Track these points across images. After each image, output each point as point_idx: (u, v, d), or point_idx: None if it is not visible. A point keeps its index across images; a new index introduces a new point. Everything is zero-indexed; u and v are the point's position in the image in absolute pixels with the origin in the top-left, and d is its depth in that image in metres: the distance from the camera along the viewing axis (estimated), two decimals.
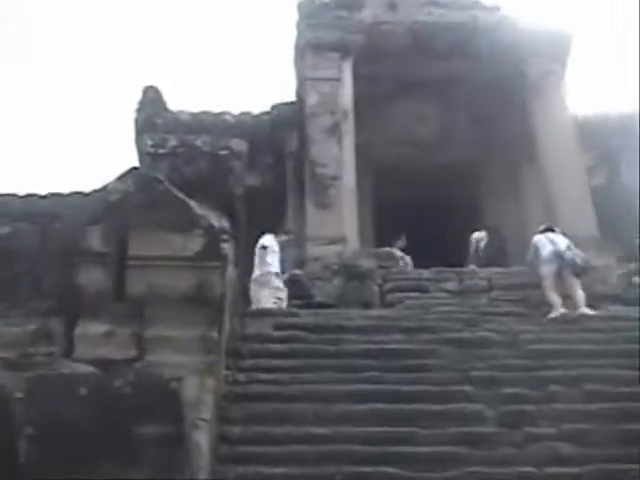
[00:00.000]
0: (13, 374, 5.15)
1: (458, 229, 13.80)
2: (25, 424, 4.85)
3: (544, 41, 13.82)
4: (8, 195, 9.71)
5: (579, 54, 15.59)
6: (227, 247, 5.88)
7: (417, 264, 11.70)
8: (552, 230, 10.10)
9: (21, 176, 33.65)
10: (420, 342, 7.69)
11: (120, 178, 5.81)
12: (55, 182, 24.38)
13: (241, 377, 6.81)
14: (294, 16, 14.43)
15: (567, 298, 9.12)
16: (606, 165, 14.44)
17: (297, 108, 14.17)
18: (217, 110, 14.78)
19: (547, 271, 9.43)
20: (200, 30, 44.91)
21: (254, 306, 9.41)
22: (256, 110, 14.86)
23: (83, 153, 40.71)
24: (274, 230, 10.64)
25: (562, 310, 8.90)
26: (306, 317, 8.55)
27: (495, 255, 11.93)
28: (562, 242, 9.69)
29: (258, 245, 10.11)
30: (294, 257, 11.44)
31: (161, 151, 8.38)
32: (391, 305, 9.83)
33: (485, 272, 10.79)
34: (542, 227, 10.23)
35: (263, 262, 9.92)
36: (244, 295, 9.28)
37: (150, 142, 9.04)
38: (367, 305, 9.95)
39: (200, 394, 5.44)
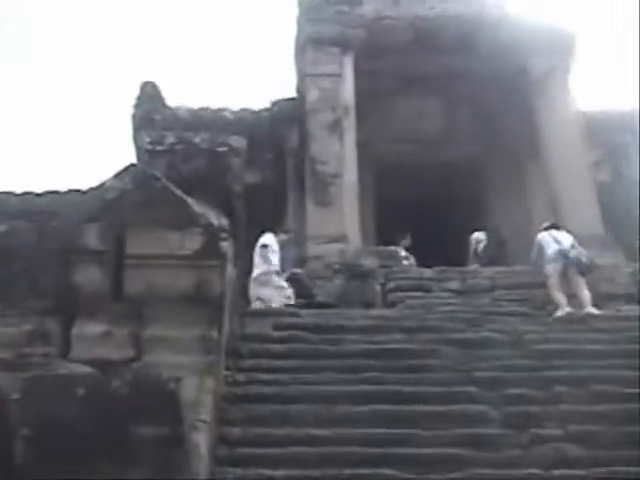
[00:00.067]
0: (9, 375, 5.14)
1: (460, 227, 13.75)
2: (21, 425, 4.84)
3: (547, 38, 13.69)
4: (5, 193, 9.68)
5: (584, 51, 15.41)
6: (226, 245, 5.82)
7: (418, 262, 11.65)
8: (556, 227, 10.01)
9: (18, 174, 33.67)
10: (422, 342, 7.61)
11: (117, 175, 5.77)
12: (52, 180, 24.35)
13: (241, 378, 6.74)
14: (294, 11, 14.35)
15: (572, 297, 9.05)
16: (611, 162, 14.34)
17: (297, 104, 14.08)
18: (216, 106, 14.73)
19: (552, 270, 9.35)
20: (199, 25, 44.91)
21: (258, 305, 9.33)
22: (256, 106, 14.83)
23: (81, 150, 40.76)
24: (274, 229, 10.55)
25: (568, 309, 8.83)
26: (306, 317, 8.47)
27: (494, 257, 11.84)
28: (566, 240, 9.60)
29: (258, 244, 10.03)
30: (294, 256, 11.36)
31: (159, 148, 8.32)
32: (393, 305, 9.76)
33: (488, 271, 10.73)
34: (546, 224, 10.13)
35: (263, 261, 9.84)
36: (244, 294, 9.20)
37: (148, 139, 8.97)
38: (369, 305, 9.88)
39: (199, 395, 5.39)
